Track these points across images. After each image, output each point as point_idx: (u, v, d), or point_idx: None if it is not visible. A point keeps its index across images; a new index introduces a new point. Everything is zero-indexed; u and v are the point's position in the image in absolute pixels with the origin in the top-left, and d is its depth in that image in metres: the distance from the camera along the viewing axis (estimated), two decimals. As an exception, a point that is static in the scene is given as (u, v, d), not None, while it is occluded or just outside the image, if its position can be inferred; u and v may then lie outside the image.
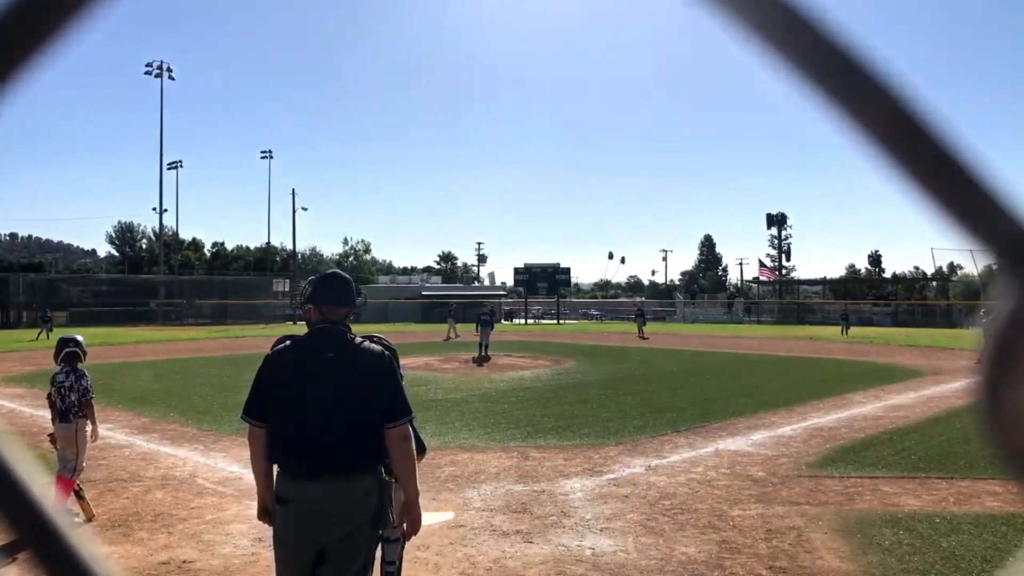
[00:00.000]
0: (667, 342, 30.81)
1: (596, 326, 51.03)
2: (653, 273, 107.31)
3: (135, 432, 10.11)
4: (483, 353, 22.06)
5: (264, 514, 3.16)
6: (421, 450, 4.19)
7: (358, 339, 3.15)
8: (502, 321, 53.91)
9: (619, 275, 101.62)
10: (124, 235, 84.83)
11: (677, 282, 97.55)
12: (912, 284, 71.55)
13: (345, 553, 2.99)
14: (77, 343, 6.47)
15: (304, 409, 3.00)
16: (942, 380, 16.26)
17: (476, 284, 77.38)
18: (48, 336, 30.80)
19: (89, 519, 6.12)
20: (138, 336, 33.50)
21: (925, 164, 0.35)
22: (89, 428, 6.36)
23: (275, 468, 3.11)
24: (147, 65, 60.37)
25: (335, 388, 3.00)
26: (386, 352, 3.17)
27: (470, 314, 35.78)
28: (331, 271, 3.36)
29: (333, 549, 2.98)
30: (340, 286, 3.21)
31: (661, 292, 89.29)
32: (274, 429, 3.04)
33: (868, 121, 0.35)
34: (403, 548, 4.32)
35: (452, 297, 56.10)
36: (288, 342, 3.19)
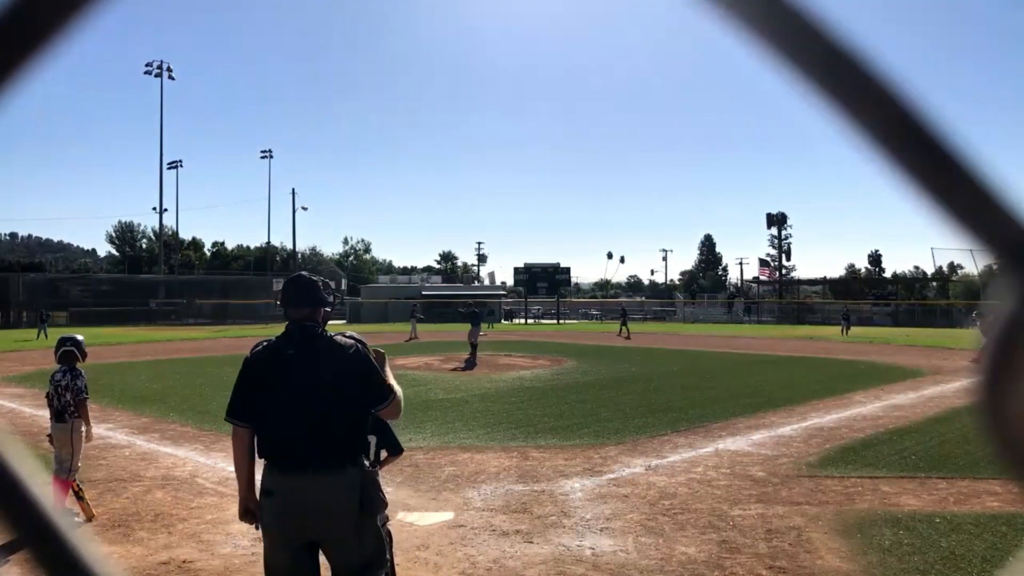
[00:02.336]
0: (667, 342, 30.80)
1: (596, 326, 51.01)
2: (653, 273, 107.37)
3: (135, 432, 10.11)
4: (472, 353, 21.96)
5: (246, 514, 3.25)
6: (397, 451, 4.22)
7: (329, 335, 3.27)
8: (501, 320, 53.91)
9: (619, 275, 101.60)
10: (124, 235, 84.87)
11: (677, 282, 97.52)
12: (912, 284, 71.55)
13: (346, 545, 3.08)
14: (75, 342, 6.45)
15: (285, 406, 3.11)
16: (942, 380, 16.25)
17: (476, 284, 77.33)
18: (46, 336, 30.79)
19: (89, 519, 6.11)
20: (138, 336, 33.51)
21: (925, 164, 0.35)
22: (84, 429, 6.35)
23: (260, 465, 3.21)
24: (147, 65, 60.54)
25: (311, 384, 3.10)
26: (357, 343, 3.26)
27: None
28: (297, 274, 3.45)
29: (333, 543, 3.08)
30: (302, 288, 3.31)
31: (661, 292, 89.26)
32: (259, 427, 3.17)
33: (868, 121, 0.35)
34: (392, 547, 4.33)
35: (452, 297, 56.10)
36: (264, 343, 3.32)
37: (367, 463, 3.23)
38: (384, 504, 3.31)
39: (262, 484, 3.14)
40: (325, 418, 3.07)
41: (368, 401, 3.16)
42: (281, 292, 3.40)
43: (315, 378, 3.11)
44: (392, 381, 3.31)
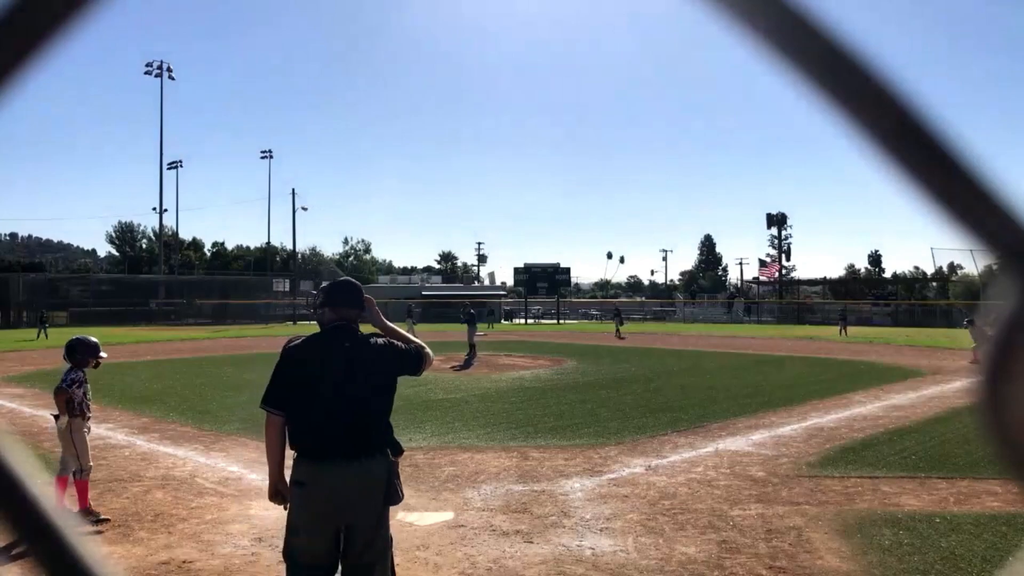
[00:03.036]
0: (667, 342, 30.79)
1: (596, 326, 51.01)
2: (653, 273, 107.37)
3: (135, 432, 10.11)
4: (469, 354, 21.91)
5: (276, 495, 3.47)
6: (397, 451, 4.29)
7: (367, 334, 3.56)
8: (501, 320, 53.91)
9: (619, 275, 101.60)
10: (124, 235, 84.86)
11: (677, 282, 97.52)
12: (912, 284, 71.54)
13: (369, 532, 3.28)
14: (70, 345, 6.36)
15: (322, 397, 3.30)
16: (942, 380, 16.25)
17: (476, 284, 77.29)
18: (46, 336, 30.76)
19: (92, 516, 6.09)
20: (138, 336, 33.48)
21: (925, 163, 0.35)
22: (87, 427, 6.29)
23: (288, 455, 3.42)
24: (147, 65, 60.45)
25: (352, 379, 3.33)
26: (384, 336, 3.63)
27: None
28: (344, 278, 3.82)
29: (358, 529, 3.27)
30: (353, 290, 3.63)
31: (661, 292, 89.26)
32: (294, 417, 3.34)
33: (868, 120, 0.35)
34: (392, 548, 4.33)
35: (452, 297, 56.09)
36: (304, 337, 3.54)
37: (391, 455, 3.43)
38: (401, 497, 3.48)
39: (292, 476, 3.31)
40: (362, 412, 3.31)
41: (411, 371, 3.54)
42: (327, 292, 3.65)
43: (356, 374, 3.34)
44: (414, 340, 3.68)
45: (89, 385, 6.41)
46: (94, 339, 6.51)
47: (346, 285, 3.66)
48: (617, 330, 34.93)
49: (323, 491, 3.22)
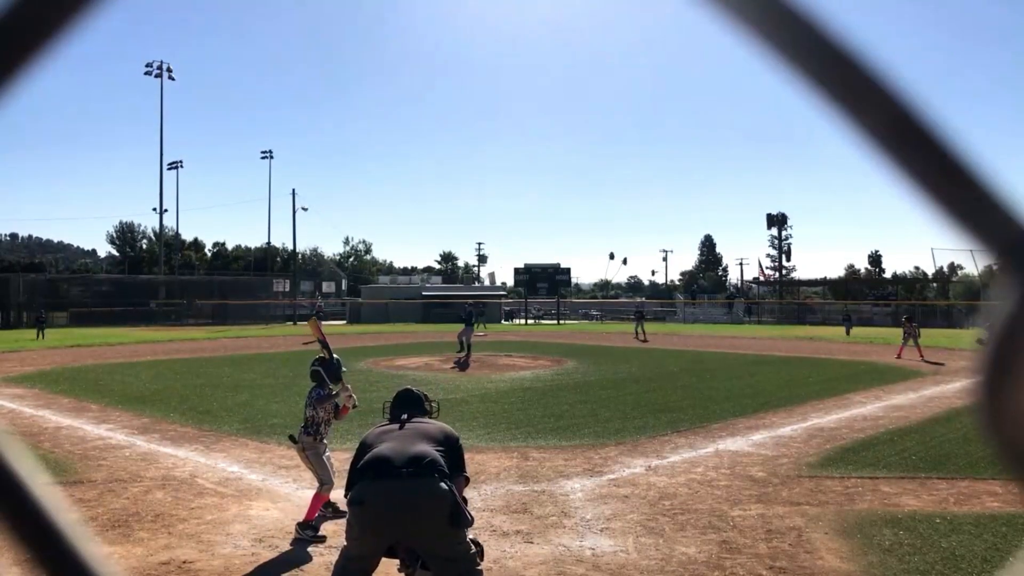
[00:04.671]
0: (667, 342, 30.76)
1: (596, 326, 51.02)
2: (653, 273, 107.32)
3: (135, 432, 10.11)
4: (466, 354, 21.85)
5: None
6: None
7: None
8: (501, 321, 53.96)
9: (620, 275, 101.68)
10: (124, 235, 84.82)
11: (677, 282, 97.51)
12: (912, 284, 71.54)
13: (436, 549, 3.49)
14: (322, 363, 6.15)
15: (389, 443, 3.70)
16: (942, 380, 16.25)
17: (476, 284, 77.27)
18: (43, 336, 30.72)
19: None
20: (138, 336, 33.47)
21: (925, 164, 0.35)
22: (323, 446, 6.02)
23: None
24: (147, 65, 60.35)
25: (413, 434, 3.78)
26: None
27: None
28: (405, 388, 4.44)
29: (424, 544, 3.51)
30: (412, 400, 4.25)
31: (661, 292, 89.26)
32: (361, 466, 3.63)
33: (868, 121, 0.35)
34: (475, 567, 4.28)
35: (453, 297, 56.12)
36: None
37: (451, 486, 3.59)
38: (470, 521, 3.61)
39: (352, 496, 3.52)
40: (421, 449, 3.62)
41: (456, 467, 3.76)
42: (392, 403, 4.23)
43: (417, 432, 3.79)
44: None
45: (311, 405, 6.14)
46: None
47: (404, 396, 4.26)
48: (637, 332, 32.25)
49: (378, 505, 3.43)
